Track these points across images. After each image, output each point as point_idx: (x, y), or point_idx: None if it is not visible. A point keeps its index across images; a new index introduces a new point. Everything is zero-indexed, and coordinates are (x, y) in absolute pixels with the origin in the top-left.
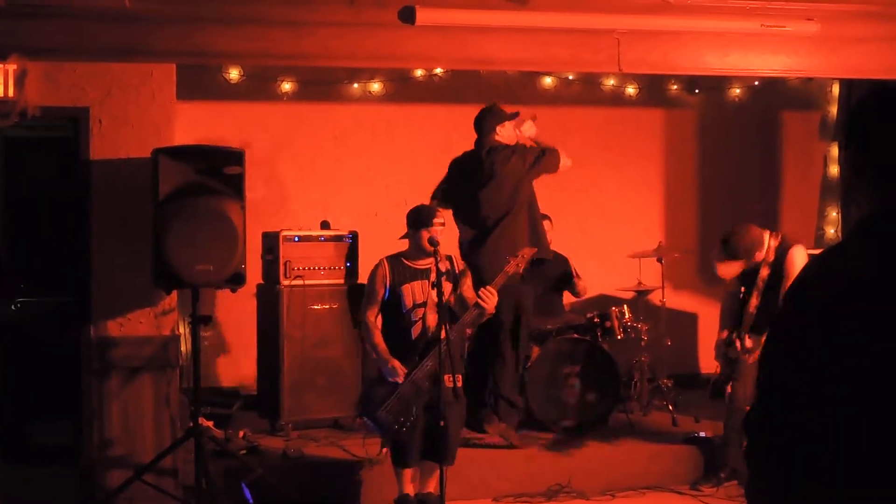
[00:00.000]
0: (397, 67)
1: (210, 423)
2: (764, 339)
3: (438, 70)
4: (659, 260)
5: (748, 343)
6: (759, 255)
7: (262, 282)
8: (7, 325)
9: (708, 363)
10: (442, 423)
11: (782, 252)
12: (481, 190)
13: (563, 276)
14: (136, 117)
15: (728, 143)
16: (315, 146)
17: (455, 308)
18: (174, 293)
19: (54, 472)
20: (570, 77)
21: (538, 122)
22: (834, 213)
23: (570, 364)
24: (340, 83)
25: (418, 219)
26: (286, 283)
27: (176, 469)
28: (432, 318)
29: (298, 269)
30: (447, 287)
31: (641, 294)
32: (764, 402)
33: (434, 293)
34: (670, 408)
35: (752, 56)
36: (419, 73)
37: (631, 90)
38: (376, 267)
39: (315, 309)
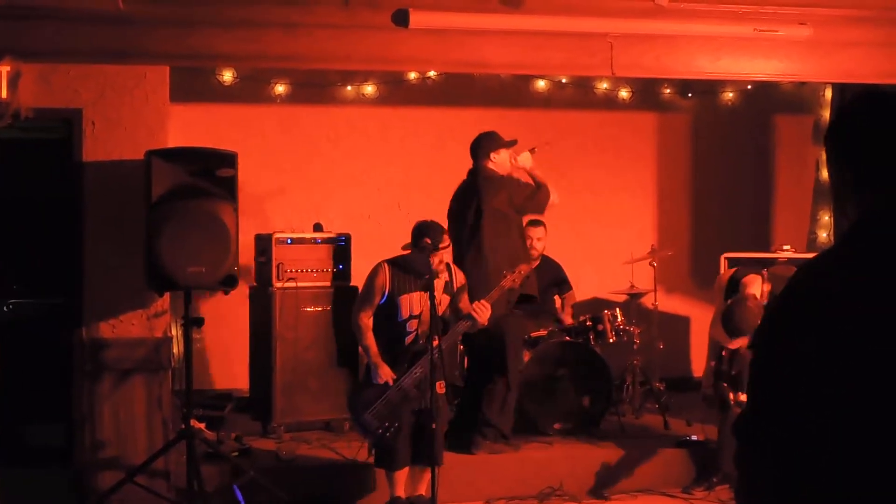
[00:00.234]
0: (391, 70)
1: (202, 425)
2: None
3: (432, 73)
4: (651, 263)
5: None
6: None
7: (254, 284)
8: None
9: (700, 366)
10: (434, 426)
11: (775, 295)
12: (469, 215)
13: (554, 281)
14: (129, 119)
15: (721, 146)
16: (308, 148)
17: (450, 320)
18: (167, 295)
19: (46, 474)
20: (564, 80)
21: (521, 122)
22: (826, 217)
23: (562, 367)
24: (334, 86)
25: (424, 238)
26: (279, 285)
27: (168, 471)
28: (426, 329)
29: (291, 271)
30: (445, 299)
31: (634, 297)
32: (756, 405)
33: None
34: (662, 411)
35: (744, 60)
36: (413, 75)
37: (624, 94)
38: (376, 271)
39: (307, 311)
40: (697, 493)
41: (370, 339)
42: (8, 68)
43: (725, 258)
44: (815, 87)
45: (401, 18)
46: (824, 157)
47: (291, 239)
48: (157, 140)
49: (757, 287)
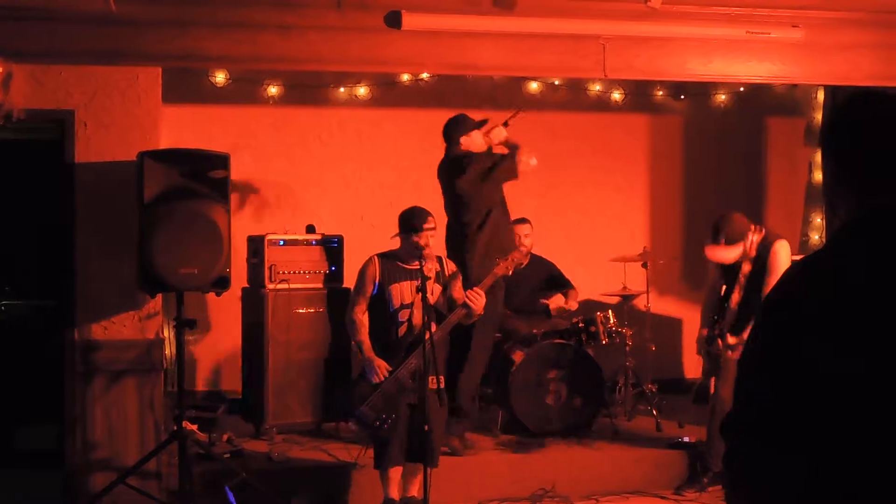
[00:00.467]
0: (384, 72)
1: (194, 427)
2: (745, 337)
3: (425, 75)
4: (644, 265)
5: (730, 340)
6: (747, 243)
7: (247, 285)
8: None
9: (692, 368)
10: (427, 428)
11: (765, 247)
12: (446, 199)
13: (549, 281)
14: (121, 120)
15: (713, 148)
16: (301, 150)
17: (443, 309)
18: (159, 297)
19: (38, 476)
20: (556, 82)
21: (520, 117)
22: (818, 219)
23: (554, 369)
24: (327, 87)
25: (409, 223)
26: (271, 286)
27: (160, 472)
28: (419, 319)
29: (284, 272)
30: (436, 289)
31: (626, 299)
32: (745, 406)
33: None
34: (654, 413)
35: (737, 62)
36: (405, 77)
37: (616, 96)
38: (366, 263)
39: (300, 313)
40: (689, 495)
41: (364, 335)
42: (0, 69)
43: None
44: (808, 89)
45: (393, 20)
46: (817, 159)
47: (284, 240)
48: (149, 141)
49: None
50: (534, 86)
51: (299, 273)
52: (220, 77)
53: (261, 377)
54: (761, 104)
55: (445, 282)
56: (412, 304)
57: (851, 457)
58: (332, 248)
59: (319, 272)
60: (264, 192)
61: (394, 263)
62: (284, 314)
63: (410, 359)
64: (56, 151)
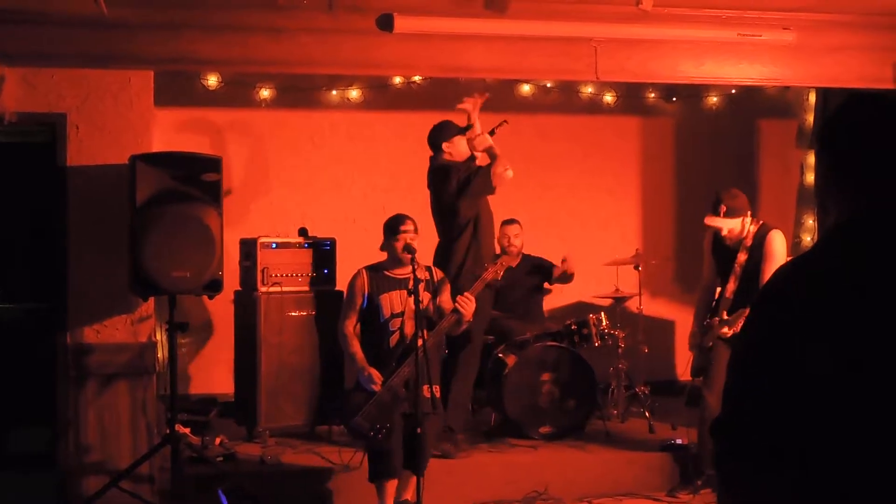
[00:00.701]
0: (376, 74)
1: (187, 430)
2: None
3: (417, 77)
4: (636, 267)
5: (725, 316)
6: (746, 221)
7: (239, 288)
8: None
9: (685, 370)
10: (419, 431)
11: (761, 237)
12: (431, 207)
13: (541, 276)
14: (113, 124)
15: (705, 150)
16: (293, 153)
17: (433, 317)
18: (151, 300)
19: (30, 480)
20: (549, 85)
21: (507, 127)
22: (810, 221)
23: (547, 371)
24: (319, 90)
25: (389, 228)
26: (264, 289)
27: (152, 476)
28: (410, 328)
29: (276, 275)
30: (425, 297)
31: (619, 301)
32: (735, 407)
33: (412, 302)
34: (647, 415)
35: (728, 65)
36: (397, 80)
37: (608, 98)
38: (355, 277)
39: (293, 316)
40: (682, 497)
41: (356, 347)
42: None
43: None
44: (799, 91)
45: (385, 23)
46: (809, 161)
47: (276, 243)
48: (141, 144)
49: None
50: (526, 88)
51: (292, 276)
52: (212, 80)
53: (253, 380)
54: (753, 106)
55: (434, 289)
56: (402, 312)
57: (844, 458)
58: (325, 251)
59: (312, 275)
60: (257, 195)
61: (381, 274)
62: (277, 317)
63: (403, 367)
64: (48, 154)
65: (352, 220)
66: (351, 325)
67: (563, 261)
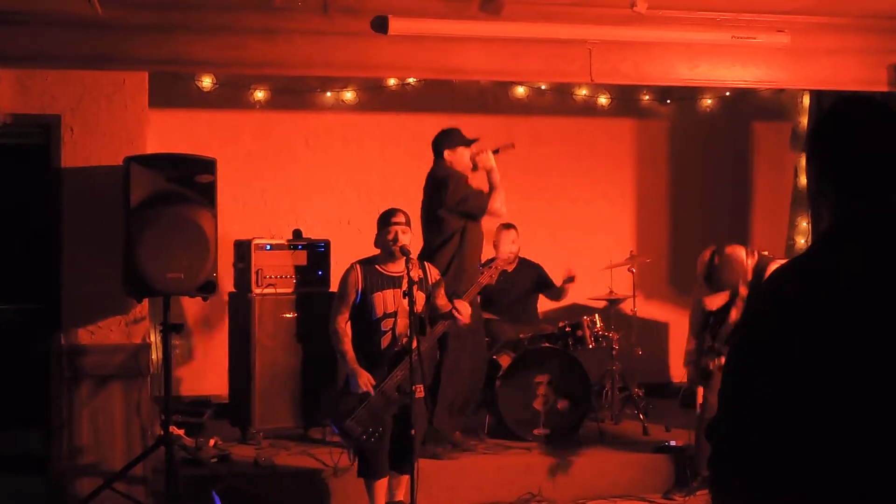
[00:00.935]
0: (370, 76)
1: (181, 432)
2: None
3: (411, 79)
4: (630, 269)
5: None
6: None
7: (233, 290)
8: None
9: (679, 372)
10: (413, 432)
11: (760, 269)
12: (421, 211)
13: (537, 284)
14: (108, 125)
15: (699, 153)
16: (288, 154)
17: (426, 318)
18: (145, 301)
19: (24, 481)
20: (543, 87)
21: (512, 151)
22: (804, 223)
23: (541, 373)
24: (313, 92)
25: (381, 220)
26: (258, 291)
27: (146, 477)
28: (402, 328)
29: (270, 277)
30: (420, 297)
31: (613, 303)
32: (730, 410)
33: (405, 302)
34: (641, 417)
35: (722, 67)
36: (392, 82)
37: (603, 100)
38: (348, 271)
39: (287, 317)
40: (677, 499)
41: (347, 345)
42: None
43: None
44: (793, 93)
45: (380, 25)
46: (803, 163)
47: (270, 245)
48: (135, 146)
49: (741, 253)
50: (520, 90)
51: (286, 278)
52: (206, 81)
53: (247, 381)
54: (747, 108)
55: (429, 289)
56: (395, 312)
57: (839, 459)
58: (319, 253)
59: (306, 277)
60: (251, 196)
61: (376, 270)
62: (271, 319)
63: (396, 372)
64: (42, 156)
65: (346, 221)
66: (343, 321)
67: (568, 279)
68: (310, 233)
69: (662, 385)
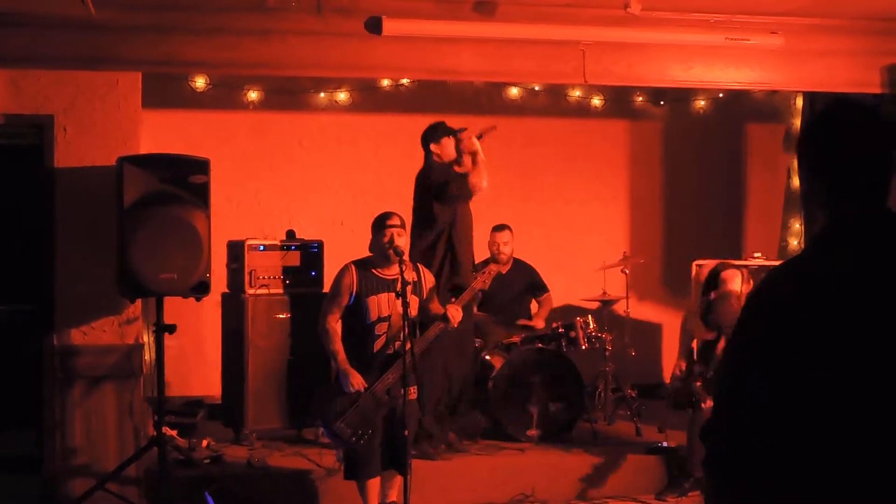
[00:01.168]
0: (364, 77)
1: (174, 432)
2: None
3: (405, 80)
4: (623, 271)
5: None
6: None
7: (227, 291)
8: None
9: (672, 373)
10: (406, 433)
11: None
12: (412, 210)
13: (530, 285)
14: (101, 125)
15: (693, 154)
16: (281, 155)
17: (419, 322)
18: (138, 302)
19: (16, 482)
20: (537, 88)
21: (498, 131)
22: (797, 225)
23: (534, 374)
24: (307, 92)
25: (376, 223)
26: (251, 291)
27: (139, 478)
28: (396, 332)
29: (263, 277)
30: (413, 300)
31: (606, 304)
32: (726, 412)
33: (399, 305)
34: (634, 418)
35: (716, 68)
36: (386, 83)
37: (597, 101)
38: (343, 272)
39: (280, 318)
40: (670, 500)
41: (338, 345)
42: None
43: (697, 265)
44: (787, 95)
45: (374, 26)
46: (796, 165)
47: (264, 245)
48: (129, 146)
49: (737, 284)
50: (514, 91)
51: (279, 278)
52: (200, 82)
53: (241, 382)
54: (741, 110)
55: (422, 292)
56: (389, 317)
57: (836, 459)
58: (313, 254)
59: (300, 277)
60: (245, 196)
61: (371, 273)
62: (264, 319)
63: (387, 374)
64: (36, 156)
65: (339, 222)
66: (334, 321)
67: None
68: (303, 233)
69: (655, 386)
